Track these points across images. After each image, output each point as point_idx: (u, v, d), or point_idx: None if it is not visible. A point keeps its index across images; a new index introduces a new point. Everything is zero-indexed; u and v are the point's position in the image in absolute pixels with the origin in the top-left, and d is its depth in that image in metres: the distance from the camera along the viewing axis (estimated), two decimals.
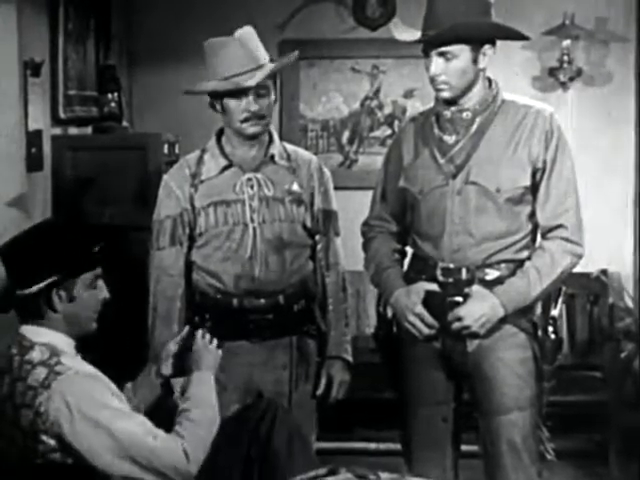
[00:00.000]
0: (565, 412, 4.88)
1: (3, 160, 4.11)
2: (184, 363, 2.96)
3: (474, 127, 3.17)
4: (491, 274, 3.17)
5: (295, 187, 3.46)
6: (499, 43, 5.56)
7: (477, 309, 3.11)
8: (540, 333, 3.23)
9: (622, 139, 5.47)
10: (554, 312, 3.28)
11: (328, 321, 3.53)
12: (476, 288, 3.12)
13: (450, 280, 3.17)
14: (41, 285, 2.65)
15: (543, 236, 3.22)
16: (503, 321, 3.15)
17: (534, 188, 3.19)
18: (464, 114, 3.16)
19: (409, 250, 3.39)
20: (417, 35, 3.17)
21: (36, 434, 2.58)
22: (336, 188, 3.65)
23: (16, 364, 2.65)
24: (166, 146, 4.72)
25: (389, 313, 3.39)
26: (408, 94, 5.58)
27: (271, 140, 3.47)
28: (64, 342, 2.70)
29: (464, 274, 3.16)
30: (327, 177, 3.55)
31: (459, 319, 3.11)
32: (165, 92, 5.17)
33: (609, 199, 5.47)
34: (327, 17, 5.53)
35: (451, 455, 3.35)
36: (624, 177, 5.48)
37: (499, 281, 3.15)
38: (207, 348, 2.93)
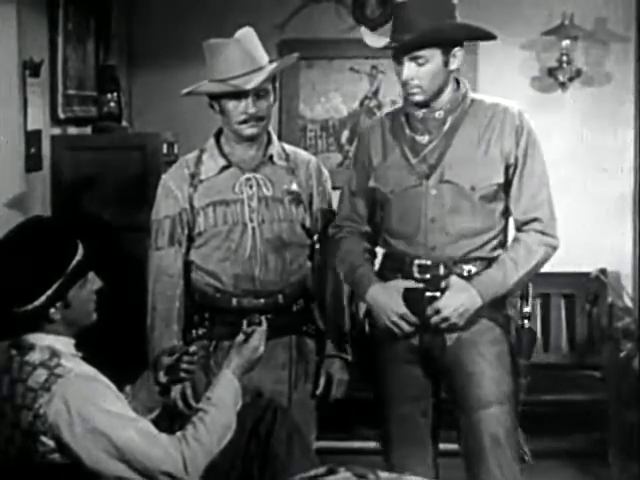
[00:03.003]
0: (564, 411, 4.90)
1: (2, 160, 4.11)
2: (180, 372, 2.95)
3: (446, 126, 3.19)
4: (467, 270, 3.19)
5: (294, 187, 3.46)
6: (499, 44, 5.61)
7: (455, 300, 3.13)
8: (514, 328, 3.26)
9: (621, 139, 5.47)
10: (527, 309, 3.31)
11: (326, 320, 3.53)
12: (454, 279, 3.15)
13: (427, 276, 3.19)
14: (36, 304, 2.63)
15: (518, 229, 3.25)
16: (480, 315, 3.17)
17: (507, 184, 3.22)
18: (436, 114, 3.18)
19: (380, 250, 3.40)
20: (386, 40, 3.19)
21: (35, 435, 2.57)
22: (335, 188, 3.65)
23: (16, 365, 2.64)
24: (165, 146, 4.73)
25: (361, 312, 3.41)
26: None
27: (270, 140, 3.47)
28: (64, 343, 2.69)
29: (441, 270, 3.19)
30: (326, 177, 3.56)
31: (437, 311, 3.13)
32: (164, 92, 5.16)
33: (609, 199, 5.47)
34: (326, 17, 5.53)
35: (431, 451, 3.36)
36: (623, 176, 5.48)
37: (476, 275, 3.18)
38: (245, 346, 2.90)
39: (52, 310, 2.64)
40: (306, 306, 3.51)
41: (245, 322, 2.95)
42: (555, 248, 3.23)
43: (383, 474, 2.84)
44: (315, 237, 3.51)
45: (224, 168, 3.43)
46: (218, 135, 3.49)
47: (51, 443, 2.58)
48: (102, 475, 2.60)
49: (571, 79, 5.39)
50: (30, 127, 4.28)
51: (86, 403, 2.56)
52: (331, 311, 3.53)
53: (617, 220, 5.48)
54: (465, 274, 3.18)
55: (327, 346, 3.50)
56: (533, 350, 3.29)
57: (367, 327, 3.37)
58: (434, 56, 3.10)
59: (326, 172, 3.58)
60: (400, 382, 3.28)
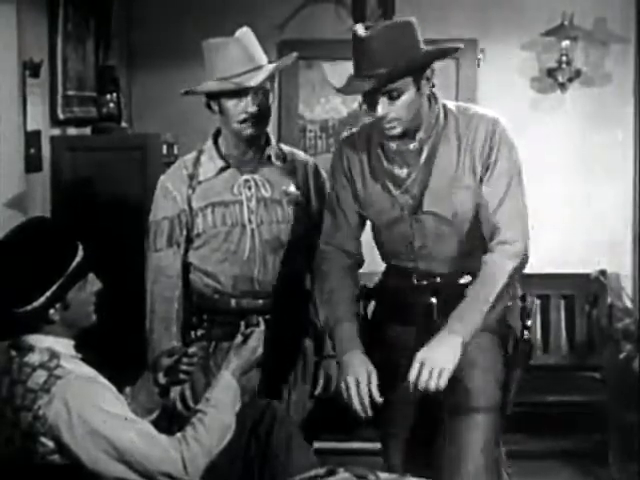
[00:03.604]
0: (564, 412, 4.91)
1: (2, 160, 4.11)
2: (179, 373, 2.95)
3: (423, 156, 3.08)
4: (465, 278, 3.14)
5: (292, 188, 3.46)
6: (499, 44, 5.60)
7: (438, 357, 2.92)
8: (513, 338, 3.21)
9: (621, 140, 5.48)
10: (529, 322, 3.27)
11: None
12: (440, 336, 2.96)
13: (424, 282, 3.18)
14: (35, 305, 2.63)
15: (487, 248, 3.07)
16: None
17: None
18: (411, 146, 3.07)
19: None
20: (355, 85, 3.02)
21: (35, 436, 2.57)
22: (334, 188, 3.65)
23: (16, 366, 2.64)
24: (165, 147, 4.73)
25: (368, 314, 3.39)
26: None
27: (268, 141, 3.47)
28: (64, 344, 2.70)
29: (438, 279, 3.17)
30: (323, 178, 3.55)
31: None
32: (164, 93, 5.17)
33: (608, 199, 5.47)
34: (326, 18, 5.53)
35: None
36: (623, 177, 5.48)
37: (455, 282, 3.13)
38: (244, 347, 2.90)
39: (51, 311, 2.64)
40: (304, 306, 3.51)
41: (243, 324, 2.95)
42: (523, 254, 3.05)
43: (383, 475, 2.84)
44: (313, 238, 3.51)
45: (222, 169, 3.43)
46: (216, 136, 3.49)
47: (51, 444, 2.58)
48: (102, 476, 2.60)
49: (571, 80, 5.39)
50: (30, 128, 4.27)
51: (86, 404, 2.57)
52: None
53: (617, 220, 5.48)
54: (462, 282, 3.13)
55: (325, 346, 3.50)
56: (529, 361, 3.25)
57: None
58: (407, 85, 2.96)
59: (324, 173, 3.57)
60: (398, 383, 3.26)
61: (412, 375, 2.89)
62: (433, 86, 3.08)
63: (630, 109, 5.46)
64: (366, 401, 2.98)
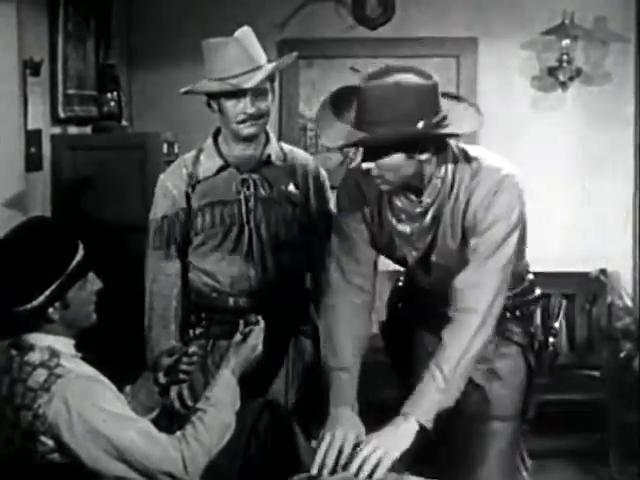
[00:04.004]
0: (564, 411, 4.90)
1: (2, 159, 4.12)
2: (179, 373, 2.96)
3: (428, 218, 2.91)
4: None
5: (291, 187, 3.46)
6: (499, 43, 5.59)
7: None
8: (537, 345, 3.15)
9: (621, 139, 5.48)
10: (555, 324, 3.24)
11: None
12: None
13: (444, 293, 3.14)
14: (34, 303, 2.63)
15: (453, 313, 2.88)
16: (500, 335, 3.03)
17: None
18: (417, 209, 2.91)
19: None
20: (338, 135, 2.79)
21: (35, 435, 2.57)
22: (335, 188, 3.64)
23: (16, 365, 2.64)
24: (165, 145, 4.73)
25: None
26: None
27: (267, 140, 3.47)
28: (64, 343, 2.69)
29: None
30: (323, 177, 3.55)
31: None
32: (164, 92, 5.17)
33: (608, 199, 5.47)
34: (326, 16, 5.53)
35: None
36: (623, 177, 5.48)
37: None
38: (243, 346, 2.90)
39: (51, 310, 2.64)
40: (303, 306, 3.51)
41: (242, 322, 2.95)
42: (488, 339, 2.87)
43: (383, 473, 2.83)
44: (313, 237, 3.51)
45: (222, 168, 3.43)
46: (216, 135, 3.49)
47: (51, 443, 2.58)
48: (102, 475, 2.60)
49: (571, 78, 5.40)
50: (30, 126, 4.28)
51: (86, 403, 2.57)
52: None
53: (617, 219, 5.48)
54: None
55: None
56: (553, 368, 3.19)
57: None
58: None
59: (324, 172, 3.57)
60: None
61: (359, 457, 2.73)
62: (442, 152, 2.85)
63: (630, 108, 5.47)
64: (327, 464, 2.79)
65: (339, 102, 2.86)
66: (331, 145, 2.89)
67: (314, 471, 2.79)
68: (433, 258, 2.97)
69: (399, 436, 2.75)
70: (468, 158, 2.89)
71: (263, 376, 3.38)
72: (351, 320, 3.03)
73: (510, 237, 2.86)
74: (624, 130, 5.47)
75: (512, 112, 5.38)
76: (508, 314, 3.07)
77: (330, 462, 2.79)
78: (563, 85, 5.41)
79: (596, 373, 5.19)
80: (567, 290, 5.35)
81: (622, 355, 5.04)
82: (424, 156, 2.77)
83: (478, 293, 2.83)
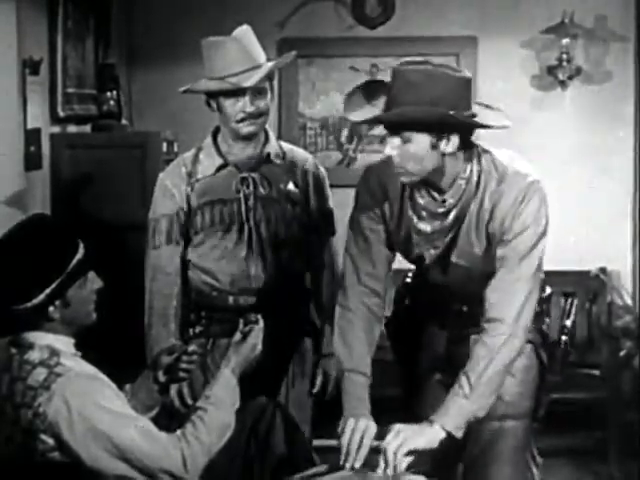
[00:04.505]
0: (564, 410, 4.89)
1: (2, 158, 4.11)
2: (179, 371, 2.95)
3: (450, 218, 2.90)
4: None
5: (291, 186, 3.46)
6: (499, 42, 5.60)
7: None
8: (549, 343, 3.16)
9: (621, 137, 5.48)
10: (567, 322, 3.22)
11: (323, 319, 3.53)
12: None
13: (455, 291, 3.09)
14: (35, 302, 2.63)
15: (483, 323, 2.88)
16: None
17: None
18: (439, 209, 2.89)
19: None
20: (368, 114, 2.80)
21: (35, 433, 2.57)
22: (335, 186, 3.65)
23: (16, 364, 2.64)
24: (165, 144, 4.73)
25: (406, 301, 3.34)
26: None
27: (267, 139, 3.47)
28: (64, 342, 2.69)
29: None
30: (323, 176, 3.55)
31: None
32: (164, 90, 5.17)
33: (608, 197, 5.47)
34: (326, 16, 5.54)
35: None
36: (623, 175, 5.48)
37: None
38: (243, 345, 2.90)
39: (51, 308, 2.64)
40: (303, 305, 3.51)
41: (242, 321, 2.95)
42: (518, 349, 2.86)
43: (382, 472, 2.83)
44: (312, 236, 3.51)
45: (221, 167, 3.43)
46: (215, 134, 3.49)
47: (51, 441, 2.58)
48: (102, 474, 2.60)
49: (571, 77, 5.40)
50: (30, 125, 4.27)
51: (86, 402, 2.56)
52: (328, 309, 3.53)
53: (617, 218, 5.49)
54: None
55: (324, 344, 3.50)
56: (565, 366, 3.18)
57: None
58: (419, 137, 2.73)
59: (323, 171, 3.57)
60: (427, 389, 3.22)
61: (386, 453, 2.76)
62: (468, 151, 2.84)
63: (630, 107, 5.47)
64: (354, 454, 2.85)
65: (369, 90, 2.86)
66: (357, 119, 2.86)
67: (348, 465, 2.83)
68: (452, 258, 2.95)
69: (424, 434, 2.77)
70: (494, 162, 2.88)
71: (263, 375, 3.38)
72: (365, 323, 3.04)
73: (538, 245, 2.87)
74: (624, 129, 5.48)
75: (512, 111, 5.35)
76: None
77: (358, 454, 2.83)
78: (563, 84, 5.42)
79: (596, 372, 5.18)
80: (567, 288, 5.35)
81: (622, 353, 5.05)
82: (449, 148, 2.75)
83: (506, 303, 2.82)
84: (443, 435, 2.77)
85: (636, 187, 5.49)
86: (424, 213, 2.93)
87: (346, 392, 2.98)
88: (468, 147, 2.84)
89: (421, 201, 2.91)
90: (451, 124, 2.73)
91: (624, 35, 5.44)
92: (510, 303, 2.81)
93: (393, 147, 2.76)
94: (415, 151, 2.74)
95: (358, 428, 2.88)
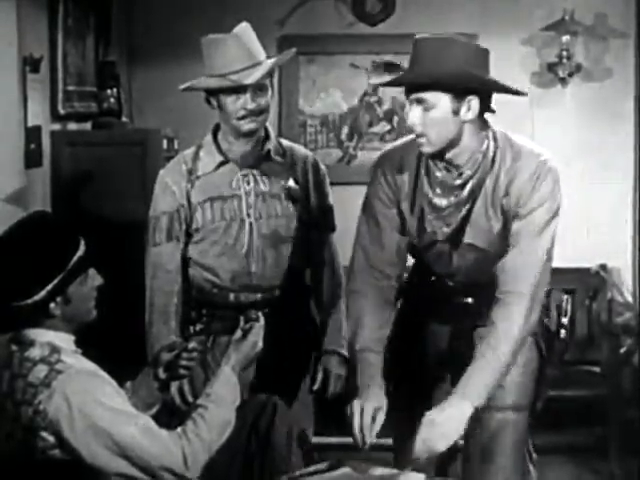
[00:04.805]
0: (564, 407, 4.90)
1: (2, 156, 4.11)
2: (179, 368, 2.96)
3: (466, 191, 2.98)
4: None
5: (291, 183, 3.46)
6: (499, 39, 5.61)
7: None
8: (548, 336, 3.18)
9: (621, 135, 5.48)
10: (564, 319, 3.25)
11: (323, 316, 3.54)
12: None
13: (460, 286, 3.15)
14: (36, 298, 2.63)
15: (498, 297, 2.93)
16: None
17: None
18: (456, 181, 2.97)
19: None
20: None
21: (36, 430, 2.57)
22: (335, 184, 3.65)
23: (16, 361, 2.64)
24: (165, 142, 4.73)
25: None
26: None
27: (267, 136, 3.47)
28: (64, 339, 2.69)
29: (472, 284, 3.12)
30: (323, 173, 3.55)
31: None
32: (164, 88, 5.16)
33: (609, 194, 5.47)
34: (326, 13, 5.53)
35: None
36: (623, 172, 5.48)
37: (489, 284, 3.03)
38: (244, 343, 2.90)
39: (52, 305, 2.64)
40: (303, 302, 3.51)
41: (242, 319, 2.95)
42: (534, 324, 2.94)
43: (383, 469, 2.84)
44: (312, 233, 3.51)
45: (221, 164, 3.43)
46: (215, 131, 3.49)
47: (51, 439, 2.58)
48: (102, 471, 2.60)
49: (571, 74, 5.40)
50: (30, 123, 4.27)
51: (86, 399, 2.57)
52: (328, 306, 3.54)
53: (617, 215, 5.49)
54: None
55: (324, 341, 3.51)
56: (563, 357, 3.21)
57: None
58: (440, 102, 2.82)
59: (323, 168, 3.57)
60: (426, 385, 3.26)
61: (420, 436, 2.81)
62: (483, 127, 2.94)
63: (630, 104, 5.47)
64: (367, 433, 2.92)
65: (388, 68, 2.95)
66: (378, 82, 2.96)
67: (363, 445, 2.90)
68: (466, 238, 3.00)
69: (457, 421, 2.81)
70: (510, 141, 2.98)
71: (263, 373, 3.39)
72: (375, 305, 3.09)
73: (552, 221, 2.92)
74: (624, 126, 5.48)
75: (512, 108, 5.35)
76: None
77: (370, 432, 2.90)
78: (563, 81, 5.42)
79: (596, 369, 5.19)
80: (567, 285, 5.35)
81: (622, 351, 5.05)
82: (469, 114, 2.84)
83: (523, 276, 2.88)
84: (471, 412, 2.81)
85: (636, 184, 5.49)
86: (439, 189, 2.99)
87: (359, 369, 3.03)
88: (484, 125, 2.94)
89: (438, 174, 2.98)
90: (472, 85, 2.84)
91: (624, 32, 5.44)
92: (526, 277, 2.88)
93: (415, 116, 2.85)
94: (437, 117, 2.83)
95: (367, 411, 2.92)
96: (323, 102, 5.64)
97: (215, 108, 3.40)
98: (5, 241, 2.67)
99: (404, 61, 5.46)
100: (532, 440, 3.33)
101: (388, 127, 5.63)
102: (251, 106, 3.32)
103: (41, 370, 2.59)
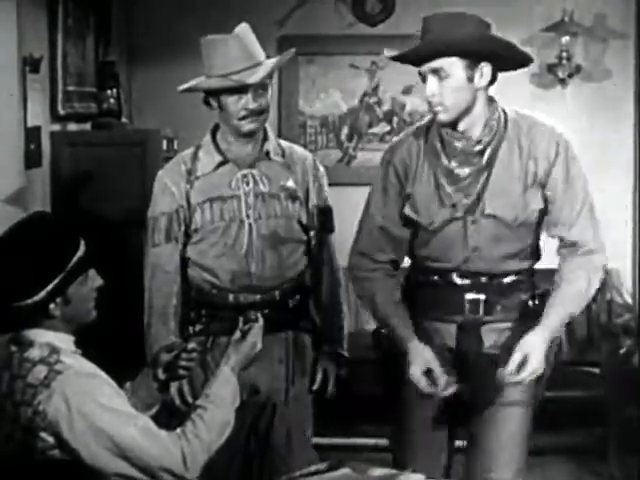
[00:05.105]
0: (563, 408, 4.91)
1: (2, 156, 4.11)
2: (178, 369, 2.96)
3: (485, 158, 3.08)
4: (509, 278, 3.18)
5: (290, 183, 3.46)
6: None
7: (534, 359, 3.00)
8: None
9: (621, 135, 5.48)
10: None
11: (323, 316, 3.54)
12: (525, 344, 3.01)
13: (467, 281, 3.16)
14: (36, 299, 2.63)
15: (563, 250, 3.18)
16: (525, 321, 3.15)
17: (546, 208, 3.14)
18: (476, 147, 3.08)
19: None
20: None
21: (35, 431, 2.57)
22: (335, 184, 3.65)
23: (16, 361, 2.64)
24: (165, 142, 4.73)
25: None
26: (407, 90, 5.59)
27: (266, 136, 3.47)
28: (63, 340, 2.69)
29: (482, 279, 3.15)
30: (321, 173, 3.55)
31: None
32: (164, 88, 5.16)
33: (608, 195, 5.46)
34: (326, 13, 5.54)
35: (447, 451, 3.33)
36: (623, 173, 5.48)
37: (514, 285, 3.17)
38: (243, 343, 2.90)
39: (52, 306, 2.64)
40: (302, 302, 3.51)
41: (241, 320, 2.95)
42: (605, 265, 3.15)
43: (382, 470, 2.84)
44: (311, 233, 3.51)
45: (220, 164, 3.43)
46: (214, 131, 3.49)
47: (51, 439, 2.57)
48: (102, 472, 2.60)
49: (571, 75, 5.40)
50: (30, 123, 4.27)
51: (86, 400, 2.56)
52: (327, 307, 3.54)
53: (617, 216, 5.48)
54: (505, 281, 3.17)
55: (323, 342, 3.51)
56: (559, 357, 3.29)
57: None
58: (455, 69, 2.96)
59: (322, 168, 3.57)
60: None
61: (513, 363, 2.96)
62: (492, 99, 3.10)
63: (630, 105, 5.47)
64: (442, 381, 3.04)
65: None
66: (392, 54, 3.10)
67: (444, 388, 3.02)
68: (486, 207, 3.07)
69: (539, 346, 2.98)
70: (520, 113, 3.15)
71: (263, 373, 3.39)
72: (387, 282, 3.21)
73: (583, 174, 3.17)
74: (624, 127, 5.48)
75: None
76: (530, 302, 3.21)
77: (443, 376, 3.02)
78: (562, 82, 5.42)
79: (596, 370, 5.19)
80: None
81: (622, 352, 5.05)
82: (482, 81, 2.98)
83: (580, 226, 3.09)
84: (549, 341, 3.01)
85: (636, 185, 5.49)
86: (459, 158, 3.08)
87: (396, 332, 3.13)
88: (491, 98, 3.09)
89: (457, 144, 3.08)
90: (493, 47, 3.00)
91: (624, 33, 5.44)
92: (585, 227, 3.10)
93: (432, 86, 2.98)
94: (453, 85, 2.96)
95: (434, 365, 3.05)
96: (323, 103, 5.64)
97: (215, 109, 3.40)
98: (5, 241, 2.67)
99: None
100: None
101: (388, 128, 5.63)
102: (253, 106, 3.32)
103: (40, 371, 2.59)
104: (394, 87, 5.61)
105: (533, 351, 2.97)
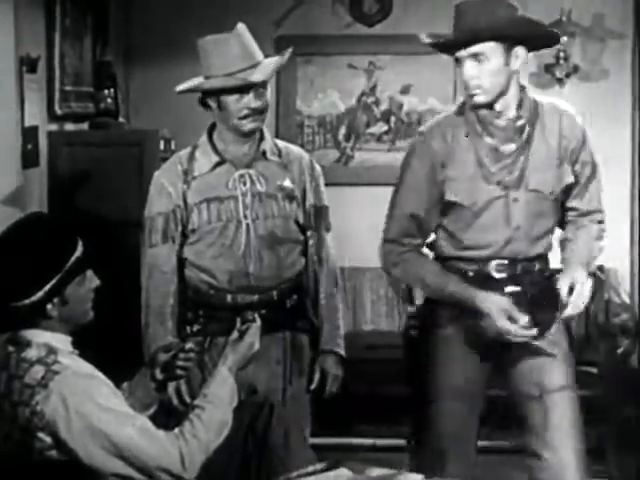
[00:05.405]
0: None
1: None
2: (176, 369, 2.96)
3: (525, 134, 3.19)
4: (536, 265, 3.25)
5: (287, 183, 3.46)
6: None
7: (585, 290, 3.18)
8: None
9: (618, 136, 5.48)
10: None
11: (320, 316, 3.53)
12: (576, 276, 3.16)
13: (504, 275, 3.20)
14: (33, 299, 2.63)
15: (581, 217, 3.34)
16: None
17: (574, 183, 3.29)
18: (518, 123, 3.18)
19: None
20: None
21: (33, 431, 2.57)
22: (332, 184, 3.65)
23: (13, 362, 2.64)
24: (162, 142, 4.73)
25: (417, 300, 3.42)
26: (405, 90, 5.59)
27: (262, 136, 3.47)
28: (61, 340, 2.69)
29: (518, 269, 3.22)
30: (318, 173, 3.55)
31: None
32: (161, 88, 5.16)
33: (605, 195, 5.45)
34: (324, 13, 5.54)
35: (474, 449, 3.35)
36: (620, 172, 5.49)
37: (530, 269, 3.24)
38: (240, 343, 2.90)
39: (49, 306, 2.64)
40: (300, 302, 3.51)
41: (239, 320, 2.95)
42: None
43: (380, 470, 2.84)
44: (308, 233, 3.51)
45: (217, 164, 3.43)
46: (211, 131, 3.48)
47: (48, 440, 2.57)
48: (99, 472, 2.60)
49: (568, 75, 5.41)
50: (27, 123, 4.28)
51: (83, 400, 2.56)
52: (324, 306, 3.54)
53: (614, 216, 5.46)
54: (534, 269, 3.24)
55: (321, 342, 3.50)
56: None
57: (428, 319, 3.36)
58: (494, 53, 3.07)
59: (318, 168, 3.58)
60: (456, 375, 3.27)
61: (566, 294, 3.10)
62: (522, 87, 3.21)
63: (627, 105, 5.48)
64: (525, 320, 3.08)
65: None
66: (429, 40, 3.21)
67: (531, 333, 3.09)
68: (529, 182, 3.17)
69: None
70: (544, 99, 3.29)
71: (261, 373, 3.39)
72: (424, 260, 3.30)
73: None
74: (621, 127, 5.48)
75: None
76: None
77: (523, 316, 3.07)
78: (560, 82, 5.43)
79: (593, 369, 5.19)
80: None
81: (619, 351, 5.05)
82: (517, 64, 3.10)
83: (595, 197, 3.34)
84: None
85: (633, 185, 5.50)
86: (502, 134, 3.17)
87: (457, 289, 3.18)
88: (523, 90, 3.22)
89: (500, 122, 3.17)
90: (521, 32, 3.09)
91: (621, 33, 5.45)
92: (598, 198, 3.35)
93: (471, 70, 3.08)
94: (491, 69, 3.07)
95: (509, 307, 3.09)
96: (320, 103, 5.64)
97: (212, 109, 3.39)
98: (2, 242, 2.67)
99: (401, 61, 5.50)
100: (498, 439, 3.38)
101: (385, 128, 5.63)
102: (255, 104, 3.32)
103: (38, 371, 2.59)
104: (392, 87, 5.60)
105: (578, 282, 3.12)
